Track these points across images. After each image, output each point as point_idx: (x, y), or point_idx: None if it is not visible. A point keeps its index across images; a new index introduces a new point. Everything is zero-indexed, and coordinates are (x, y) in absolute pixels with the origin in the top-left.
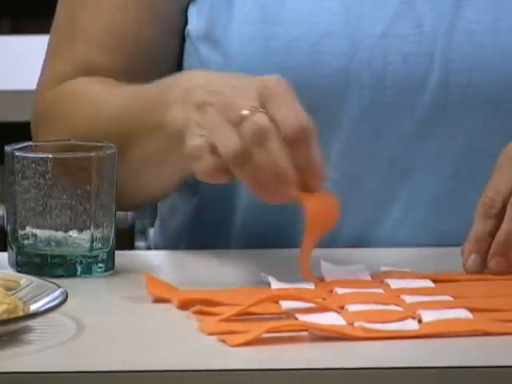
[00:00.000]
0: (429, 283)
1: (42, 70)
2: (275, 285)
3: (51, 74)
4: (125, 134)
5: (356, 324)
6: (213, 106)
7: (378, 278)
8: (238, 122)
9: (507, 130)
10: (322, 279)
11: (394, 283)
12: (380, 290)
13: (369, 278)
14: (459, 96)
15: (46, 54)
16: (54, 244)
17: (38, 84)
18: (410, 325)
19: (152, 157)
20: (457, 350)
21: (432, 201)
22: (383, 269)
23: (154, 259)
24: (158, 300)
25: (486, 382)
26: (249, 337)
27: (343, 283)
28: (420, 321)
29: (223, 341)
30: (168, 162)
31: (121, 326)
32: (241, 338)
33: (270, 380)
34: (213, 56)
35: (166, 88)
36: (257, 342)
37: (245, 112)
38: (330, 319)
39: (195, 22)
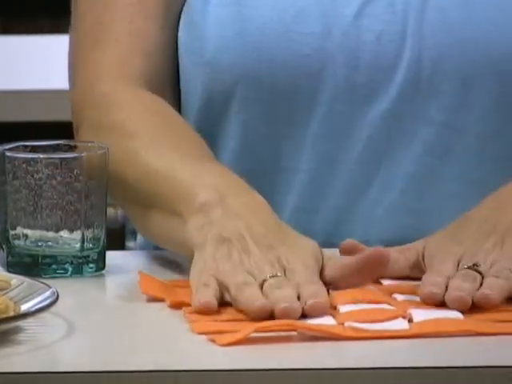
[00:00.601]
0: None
1: (72, 71)
2: None
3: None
4: (148, 201)
5: (346, 324)
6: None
7: None
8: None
9: (479, 105)
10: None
11: (387, 281)
12: (373, 288)
13: None
14: (431, 71)
15: (73, 57)
16: (44, 244)
17: (73, 87)
18: (400, 324)
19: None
20: (447, 350)
21: (408, 179)
22: None
23: (145, 259)
24: (151, 299)
25: (475, 382)
26: (238, 336)
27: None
28: (410, 320)
29: (212, 340)
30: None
31: (111, 326)
32: (230, 338)
33: (258, 380)
34: (190, 40)
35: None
36: (246, 341)
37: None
38: (320, 319)
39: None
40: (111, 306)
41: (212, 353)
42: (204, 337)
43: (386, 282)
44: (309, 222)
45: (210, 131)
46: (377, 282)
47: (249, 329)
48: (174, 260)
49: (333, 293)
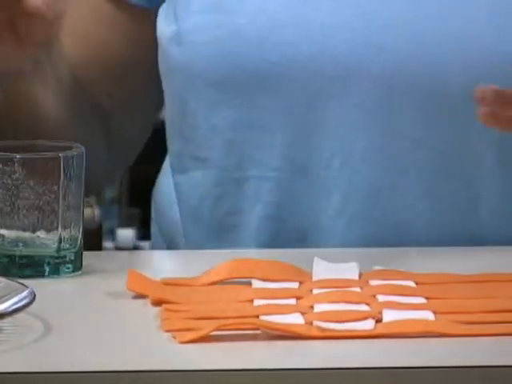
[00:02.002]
0: (411, 283)
1: None
2: (257, 284)
3: None
4: None
5: (314, 323)
6: None
7: (366, 276)
8: None
9: (444, 122)
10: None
11: (375, 282)
12: (357, 289)
13: (355, 277)
14: (399, 86)
15: None
16: (21, 244)
17: None
18: (366, 325)
19: None
20: (411, 351)
21: (369, 190)
22: (376, 267)
23: (122, 259)
24: (136, 296)
25: (439, 382)
26: (199, 334)
27: (324, 283)
28: (380, 320)
29: (174, 337)
30: None
31: (88, 326)
32: (191, 336)
33: (212, 380)
34: (172, 47)
35: None
36: (209, 339)
37: None
38: (289, 319)
39: (163, 25)
40: (88, 306)
41: (174, 352)
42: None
43: (373, 283)
44: (277, 230)
45: (182, 132)
46: (366, 282)
47: (210, 327)
48: (153, 260)
49: (315, 293)
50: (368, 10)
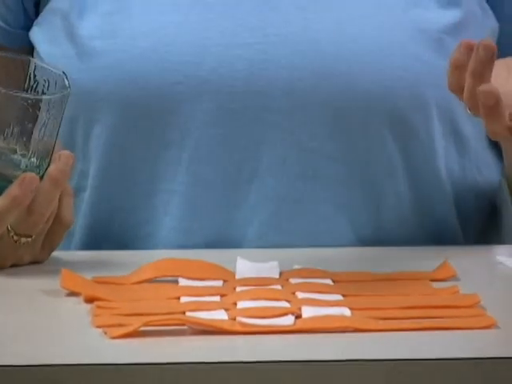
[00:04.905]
0: (328, 281)
1: None
2: (184, 283)
3: None
4: None
5: (238, 319)
6: None
7: (287, 275)
8: None
9: (349, 134)
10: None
11: (295, 280)
12: (278, 287)
13: (276, 276)
14: (304, 102)
15: None
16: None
17: None
18: (286, 320)
19: None
20: (328, 345)
21: (279, 201)
22: (296, 267)
23: (55, 259)
24: (69, 294)
25: (353, 374)
26: (128, 329)
27: (247, 281)
28: (299, 316)
29: (105, 333)
30: None
31: (24, 321)
32: (120, 331)
33: (136, 373)
34: (54, 58)
35: None
36: (138, 334)
37: None
38: (214, 315)
39: (42, 47)
40: (24, 303)
41: (102, 346)
42: (100, 330)
43: (293, 281)
44: (186, 242)
45: (84, 153)
46: (286, 280)
47: (139, 322)
48: (94, 259)
49: (238, 291)
50: (264, 26)
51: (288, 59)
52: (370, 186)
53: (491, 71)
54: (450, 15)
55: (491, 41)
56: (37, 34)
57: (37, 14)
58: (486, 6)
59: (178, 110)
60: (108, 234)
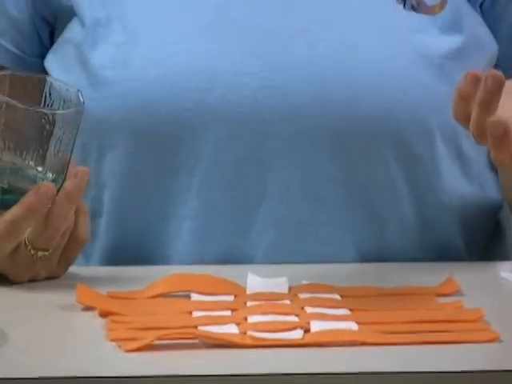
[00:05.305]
0: (336, 296)
1: None
2: (196, 297)
3: None
4: None
5: (248, 333)
6: None
7: (295, 290)
8: None
9: (349, 158)
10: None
11: (304, 296)
12: (287, 302)
13: (285, 291)
14: (306, 126)
15: None
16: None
17: None
18: (295, 334)
19: None
20: (338, 358)
21: (284, 224)
22: (304, 282)
23: (71, 274)
24: (85, 308)
25: None
26: (142, 343)
27: (257, 296)
28: (308, 330)
29: (119, 346)
30: None
31: (41, 335)
32: (135, 344)
33: None
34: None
35: None
36: (151, 348)
37: None
38: (225, 329)
39: (57, 75)
40: (41, 317)
41: (117, 359)
42: (114, 343)
43: (301, 296)
44: (197, 264)
45: (97, 179)
46: (295, 295)
47: (153, 336)
48: (109, 274)
49: (249, 305)
50: (269, 53)
51: (290, 85)
52: (372, 208)
53: (498, 101)
54: (452, 41)
55: (499, 72)
56: (51, 62)
57: (51, 42)
58: (487, 29)
59: (189, 136)
60: (123, 257)
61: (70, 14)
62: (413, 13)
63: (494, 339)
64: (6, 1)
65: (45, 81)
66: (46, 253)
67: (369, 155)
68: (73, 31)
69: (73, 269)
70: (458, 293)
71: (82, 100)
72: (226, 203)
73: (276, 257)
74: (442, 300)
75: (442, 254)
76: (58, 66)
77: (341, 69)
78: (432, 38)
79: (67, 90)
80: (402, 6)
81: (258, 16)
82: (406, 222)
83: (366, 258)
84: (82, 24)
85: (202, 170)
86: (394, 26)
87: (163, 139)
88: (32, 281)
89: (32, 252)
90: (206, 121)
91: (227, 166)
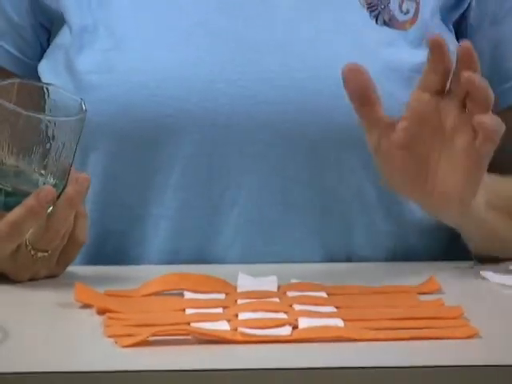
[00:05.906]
0: (323, 294)
1: None
2: (189, 295)
3: None
4: None
5: (239, 329)
6: None
7: (284, 288)
8: None
9: (322, 164)
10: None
11: (292, 294)
12: (276, 300)
13: (274, 289)
14: (282, 134)
15: None
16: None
17: None
18: (284, 330)
19: None
20: (323, 354)
21: (259, 226)
22: (293, 281)
23: (69, 273)
24: (83, 306)
25: (346, 381)
26: (137, 339)
27: (247, 294)
28: (296, 327)
29: (116, 342)
30: None
31: (41, 332)
32: (130, 340)
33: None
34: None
35: None
36: (146, 343)
37: None
38: (216, 326)
39: (47, 78)
40: (41, 314)
41: (113, 355)
42: (111, 340)
43: (290, 294)
44: (172, 262)
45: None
46: (284, 293)
47: (148, 333)
48: (106, 274)
49: (239, 303)
50: (246, 64)
51: (267, 94)
52: (341, 214)
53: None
54: (422, 54)
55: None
56: (43, 67)
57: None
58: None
59: (168, 140)
60: (101, 255)
61: (62, 21)
62: (385, 27)
63: (473, 335)
64: (4, 4)
65: (50, 89)
66: (46, 254)
67: (339, 162)
68: (62, 37)
69: (71, 268)
70: (438, 291)
71: (84, 108)
72: (200, 204)
73: (248, 257)
74: (423, 298)
75: (410, 259)
76: (49, 71)
77: (315, 80)
78: (402, 52)
79: (71, 98)
80: (374, 22)
81: (238, 27)
82: (375, 227)
83: (334, 261)
84: (70, 30)
85: (179, 171)
86: (366, 39)
87: (143, 142)
88: (32, 280)
89: (32, 253)
90: (183, 126)
91: (202, 168)
